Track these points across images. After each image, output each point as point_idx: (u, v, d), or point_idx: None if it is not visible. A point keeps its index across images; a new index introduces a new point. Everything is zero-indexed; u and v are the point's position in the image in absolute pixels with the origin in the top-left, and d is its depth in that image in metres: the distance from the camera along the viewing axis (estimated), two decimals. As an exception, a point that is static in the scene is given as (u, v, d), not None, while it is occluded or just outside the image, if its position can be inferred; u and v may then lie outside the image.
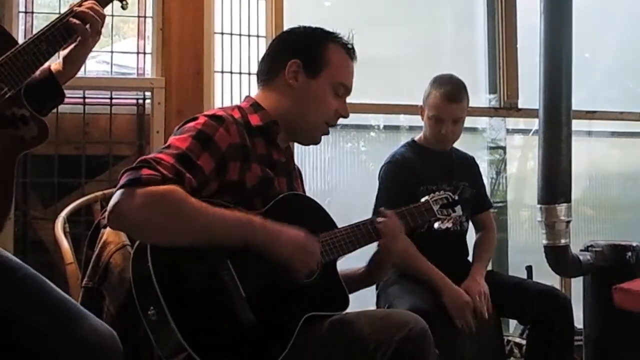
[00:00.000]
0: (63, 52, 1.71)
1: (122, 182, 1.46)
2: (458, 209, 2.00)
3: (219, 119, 1.63)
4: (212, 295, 1.48)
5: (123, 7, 1.89)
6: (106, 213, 1.47)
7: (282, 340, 1.52)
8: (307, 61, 1.75)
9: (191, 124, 1.62)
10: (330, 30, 1.82)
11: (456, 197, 2.03)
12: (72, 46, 1.69)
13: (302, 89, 1.75)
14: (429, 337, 1.55)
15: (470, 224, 2.76)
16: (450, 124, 2.58)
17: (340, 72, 1.78)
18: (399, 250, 1.85)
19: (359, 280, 1.87)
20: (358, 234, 1.76)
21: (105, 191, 2.14)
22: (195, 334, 1.40)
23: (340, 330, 1.57)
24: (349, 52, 1.82)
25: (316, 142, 1.84)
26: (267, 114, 1.74)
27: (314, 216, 1.74)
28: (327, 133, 1.82)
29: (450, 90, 2.58)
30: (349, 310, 1.68)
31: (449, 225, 1.99)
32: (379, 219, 1.80)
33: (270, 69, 1.80)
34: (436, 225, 1.96)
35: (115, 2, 1.82)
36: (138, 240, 1.49)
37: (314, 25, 1.85)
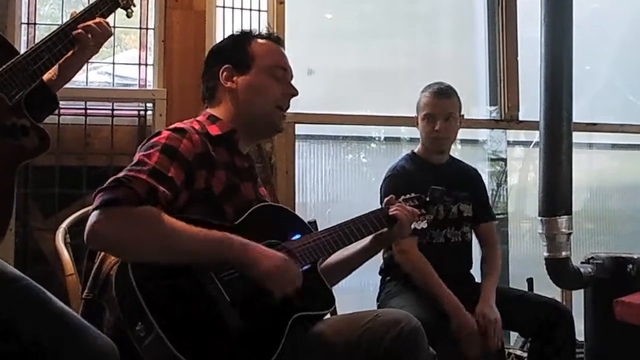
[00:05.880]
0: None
1: (97, 202, 1.46)
2: (432, 209, 2.04)
3: (181, 131, 1.67)
4: (196, 303, 1.48)
5: (128, 16, 1.90)
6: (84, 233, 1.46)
7: (272, 343, 1.51)
8: (236, 62, 1.82)
9: (155, 139, 1.65)
10: (248, 29, 1.92)
11: (427, 198, 2.05)
12: (69, 54, 1.70)
13: (242, 87, 1.81)
14: (422, 335, 1.55)
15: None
16: (442, 120, 2.59)
17: (268, 57, 1.84)
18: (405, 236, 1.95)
19: (358, 255, 1.92)
20: (365, 224, 1.84)
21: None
22: (185, 345, 1.39)
23: (331, 332, 1.57)
24: (272, 39, 1.89)
25: (278, 128, 1.87)
26: (225, 124, 1.78)
27: (287, 224, 1.78)
28: (284, 118, 1.85)
29: (438, 88, 2.63)
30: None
31: (424, 225, 2.04)
32: (391, 207, 1.90)
33: (209, 85, 1.86)
34: (412, 226, 1.97)
35: (120, 10, 1.83)
36: (116, 258, 1.50)
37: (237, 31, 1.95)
